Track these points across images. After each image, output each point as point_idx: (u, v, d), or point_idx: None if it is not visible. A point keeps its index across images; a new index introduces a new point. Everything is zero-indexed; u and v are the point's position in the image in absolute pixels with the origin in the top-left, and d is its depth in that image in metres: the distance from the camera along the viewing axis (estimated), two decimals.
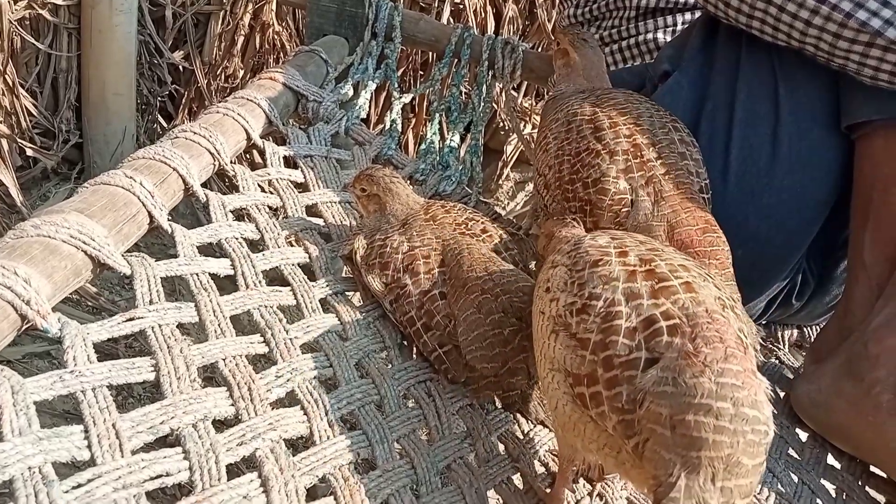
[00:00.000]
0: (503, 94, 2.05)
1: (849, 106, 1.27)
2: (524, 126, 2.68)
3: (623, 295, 0.76)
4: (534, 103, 2.75)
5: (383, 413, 0.94)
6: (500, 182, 2.90)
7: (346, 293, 1.11)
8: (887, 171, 1.22)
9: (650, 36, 1.81)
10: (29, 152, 2.05)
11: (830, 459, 1.22)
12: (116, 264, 0.91)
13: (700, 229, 1.13)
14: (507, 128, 2.77)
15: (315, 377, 0.92)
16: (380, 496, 0.82)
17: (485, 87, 1.90)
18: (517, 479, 0.95)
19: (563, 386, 0.78)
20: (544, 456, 1.01)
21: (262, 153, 1.34)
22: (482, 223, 1.15)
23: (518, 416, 1.05)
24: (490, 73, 1.90)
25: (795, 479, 1.13)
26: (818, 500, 1.10)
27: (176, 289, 1.19)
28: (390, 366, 1.02)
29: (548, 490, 0.94)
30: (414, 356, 1.06)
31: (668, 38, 1.76)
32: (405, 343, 1.08)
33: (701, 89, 1.37)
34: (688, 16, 1.81)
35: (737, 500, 0.67)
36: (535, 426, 1.04)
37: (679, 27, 1.79)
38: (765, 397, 0.71)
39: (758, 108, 1.31)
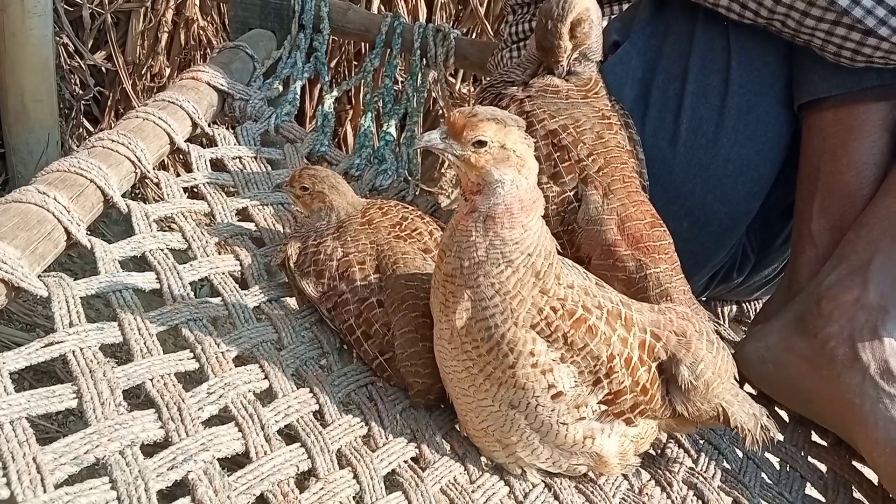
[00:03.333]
0: (438, 81, 2.03)
1: (804, 83, 1.30)
2: None
3: None
4: (472, 89, 2.72)
5: (323, 422, 0.91)
6: (443, 171, 2.88)
7: (282, 299, 1.08)
8: (835, 143, 1.26)
9: None
10: None
11: None
12: (31, 286, 0.87)
13: (648, 223, 1.14)
14: (445, 115, 2.75)
15: (250, 391, 0.89)
16: None
17: (419, 76, 1.88)
18: (462, 478, 0.94)
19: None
20: None
21: (187, 157, 1.29)
22: (415, 222, 1.12)
23: None
24: (423, 61, 1.88)
25: (740, 454, 1.14)
26: (763, 474, 1.12)
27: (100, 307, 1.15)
28: (329, 372, 1.00)
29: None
30: (354, 360, 1.04)
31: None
32: (345, 347, 1.05)
33: (651, 60, 1.37)
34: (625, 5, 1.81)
35: None
36: None
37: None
38: None
39: (709, 81, 1.33)
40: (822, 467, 1.18)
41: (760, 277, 1.50)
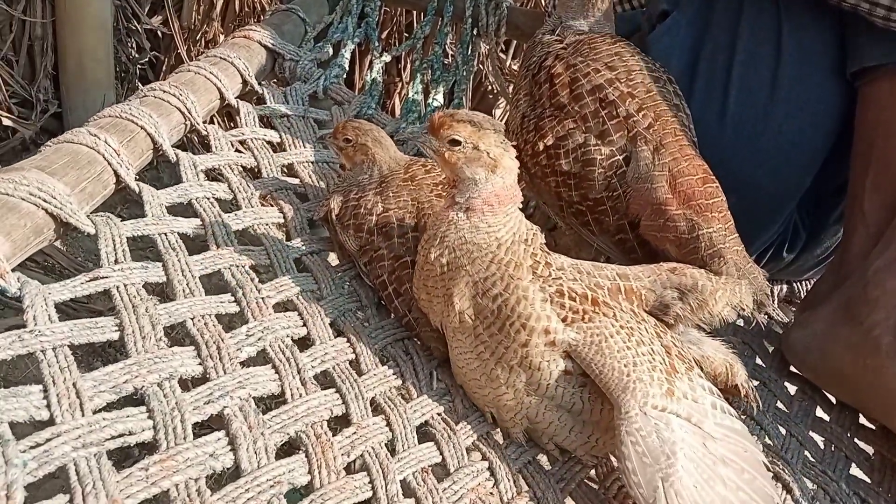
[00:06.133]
0: (489, 55, 2.01)
1: (856, 51, 1.24)
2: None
3: None
4: None
5: (359, 371, 0.92)
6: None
7: (323, 253, 1.09)
8: (892, 115, 1.20)
9: None
10: (7, 122, 2.01)
11: (819, 412, 1.20)
12: (79, 223, 0.89)
13: (700, 179, 1.09)
14: (495, 91, 2.72)
15: (288, 336, 0.90)
16: (353, 453, 0.80)
17: (469, 45, 1.86)
18: (497, 434, 0.93)
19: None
20: None
21: (236, 113, 1.30)
22: None
23: None
24: (474, 30, 1.86)
25: (783, 431, 1.12)
26: (806, 452, 1.09)
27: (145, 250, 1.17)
28: (367, 324, 1.00)
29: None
30: (392, 315, 1.04)
31: None
32: (382, 302, 1.05)
33: (700, 29, 1.33)
34: None
35: None
36: None
37: None
38: None
39: (759, 50, 1.28)
40: (870, 449, 1.15)
41: (812, 257, 1.45)
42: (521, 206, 0.90)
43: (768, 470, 0.87)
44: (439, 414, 0.91)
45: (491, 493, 0.85)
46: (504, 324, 0.85)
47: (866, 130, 1.23)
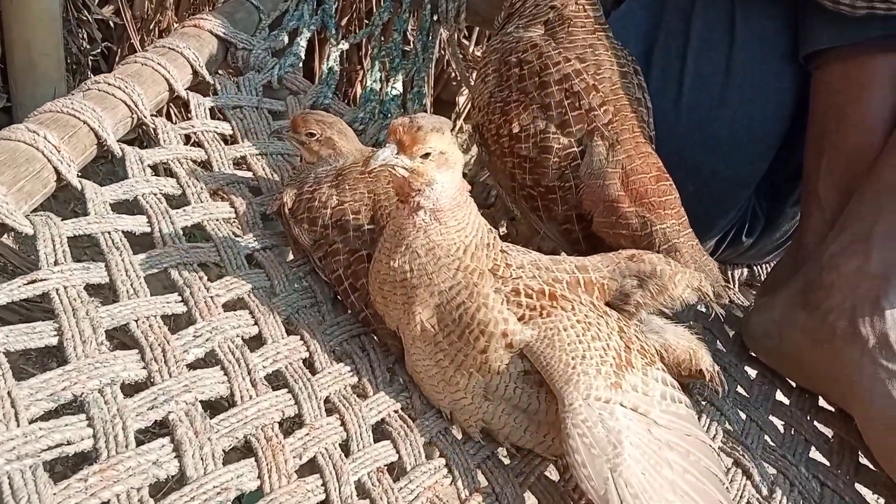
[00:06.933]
0: (450, 41, 1.98)
1: (807, 34, 1.24)
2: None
3: None
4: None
5: (312, 370, 0.90)
6: (456, 135, 2.84)
7: (276, 249, 1.06)
8: (844, 99, 1.20)
9: None
10: None
11: (779, 395, 1.21)
12: (16, 223, 0.85)
13: (654, 177, 1.10)
14: (458, 78, 2.70)
15: (238, 335, 0.87)
16: (306, 455, 0.78)
17: (429, 32, 1.83)
18: (456, 430, 0.92)
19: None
20: None
21: (186, 105, 1.27)
22: None
23: None
24: (434, 16, 1.83)
25: (743, 416, 1.12)
26: (766, 437, 1.09)
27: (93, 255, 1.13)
28: (322, 321, 0.98)
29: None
30: (348, 311, 1.02)
31: None
32: (338, 298, 1.03)
33: (655, 16, 1.32)
34: None
35: None
36: None
37: None
38: None
39: (712, 36, 1.27)
40: (829, 432, 1.15)
41: (771, 241, 1.46)
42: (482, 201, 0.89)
43: (714, 451, 0.87)
44: (396, 411, 0.90)
45: (448, 490, 0.83)
46: (464, 331, 0.84)
47: (819, 115, 1.23)
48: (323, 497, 0.75)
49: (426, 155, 0.82)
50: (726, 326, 1.33)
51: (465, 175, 1.48)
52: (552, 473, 0.94)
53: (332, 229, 1.01)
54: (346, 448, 0.82)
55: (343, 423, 0.84)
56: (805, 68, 1.26)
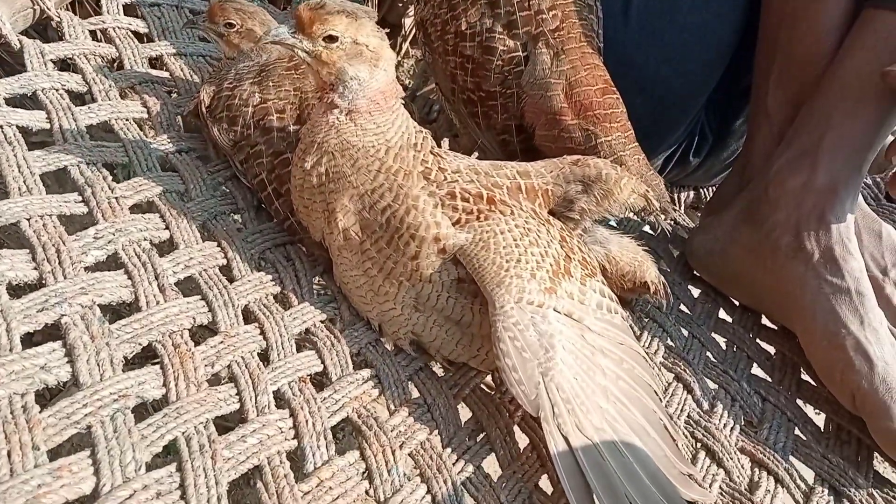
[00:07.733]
0: None
1: None
2: None
3: None
4: None
5: (230, 277, 0.83)
6: (401, 59, 2.73)
7: (194, 152, 0.98)
8: (796, 6, 1.14)
9: None
10: None
11: (722, 314, 1.18)
12: None
13: (600, 89, 1.05)
14: (404, 1, 2.59)
15: (146, 239, 0.80)
16: (219, 363, 0.72)
17: None
18: (387, 342, 0.86)
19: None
20: None
21: (98, 1, 1.15)
22: None
23: None
24: None
25: (686, 333, 1.09)
26: (708, 353, 1.06)
27: None
28: (243, 229, 0.91)
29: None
30: (273, 219, 0.95)
31: None
32: (262, 205, 0.96)
33: None
34: None
35: None
36: None
37: None
38: None
39: None
40: (771, 349, 1.14)
41: (719, 161, 1.42)
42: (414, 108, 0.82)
43: (648, 361, 0.84)
44: (322, 321, 0.84)
45: (376, 401, 0.78)
46: (392, 237, 0.78)
47: (771, 24, 1.18)
48: (237, 406, 0.69)
49: (331, 39, 0.74)
50: (671, 246, 1.30)
51: (405, 88, 1.40)
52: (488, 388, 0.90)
53: (254, 129, 0.93)
54: (265, 357, 0.76)
55: (263, 332, 0.78)
56: None
